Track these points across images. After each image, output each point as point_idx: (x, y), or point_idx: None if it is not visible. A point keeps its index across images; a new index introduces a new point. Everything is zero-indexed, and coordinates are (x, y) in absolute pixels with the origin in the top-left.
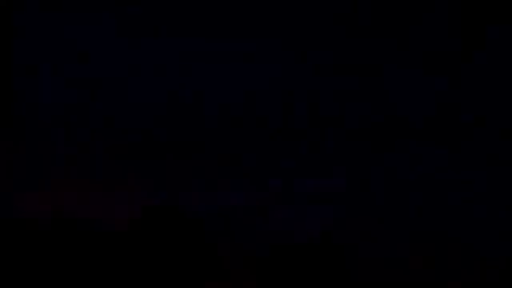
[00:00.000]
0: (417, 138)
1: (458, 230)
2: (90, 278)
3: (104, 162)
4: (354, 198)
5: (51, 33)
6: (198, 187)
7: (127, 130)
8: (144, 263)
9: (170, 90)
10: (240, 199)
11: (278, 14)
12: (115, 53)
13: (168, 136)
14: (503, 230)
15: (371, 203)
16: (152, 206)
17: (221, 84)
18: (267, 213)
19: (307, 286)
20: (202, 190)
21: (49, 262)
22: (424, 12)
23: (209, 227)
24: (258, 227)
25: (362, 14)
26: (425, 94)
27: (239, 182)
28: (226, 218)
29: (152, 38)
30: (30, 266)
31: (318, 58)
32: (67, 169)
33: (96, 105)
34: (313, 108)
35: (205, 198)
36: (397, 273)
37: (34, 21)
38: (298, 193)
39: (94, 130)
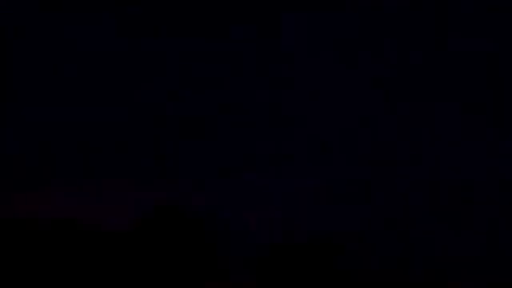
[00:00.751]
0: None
1: (457, 230)
2: (90, 278)
3: (103, 163)
4: (354, 198)
5: (51, 33)
6: (198, 187)
7: (127, 130)
8: (144, 263)
9: (169, 90)
10: (239, 199)
11: (278, 15)
12: (115, 53)
13: (168, 136)
14: (503, 230)
15: (371, 203)
16: (152, 205)
17: (221, 84)
18: (267, 213)
19: (307, 285)
20: (202, 190)
21: (49, 262)
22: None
23: (209, 227)
24: (258, 227)
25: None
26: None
27: (239, 182)
28: (226, 218)
29: (152, 37)
30: (30, 266)
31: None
32: (67, 169)
33: (96, 105)
34: (313, 108)
35: (205, 198)
36: (397, 273)
37: (33, 21)
38: (298, 193)
39: (94, 130)
